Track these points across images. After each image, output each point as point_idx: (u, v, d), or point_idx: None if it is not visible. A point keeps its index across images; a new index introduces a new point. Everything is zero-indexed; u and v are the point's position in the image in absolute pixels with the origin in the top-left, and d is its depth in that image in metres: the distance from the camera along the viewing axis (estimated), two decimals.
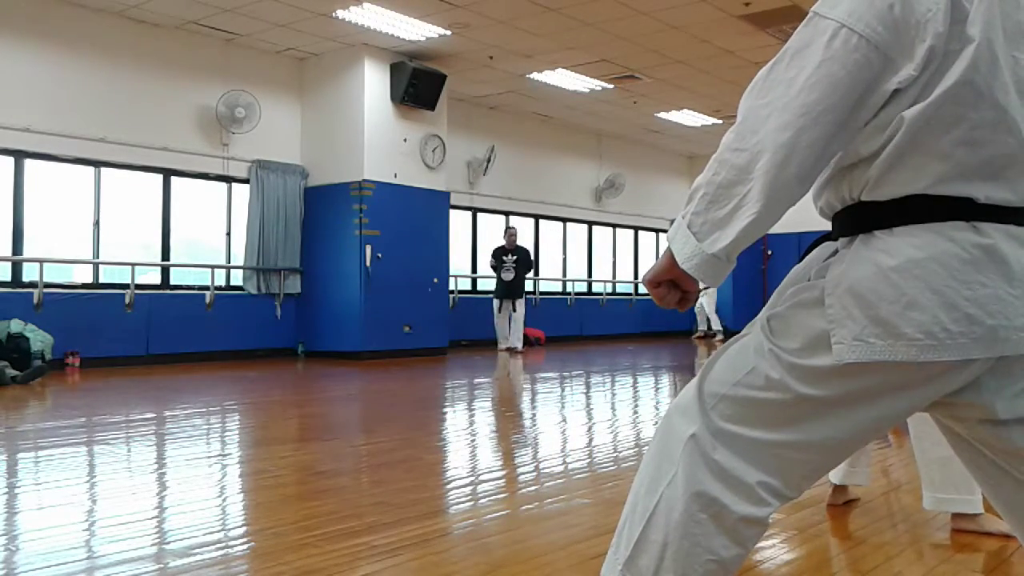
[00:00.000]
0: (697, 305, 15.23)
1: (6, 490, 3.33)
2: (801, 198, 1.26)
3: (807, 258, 1.41)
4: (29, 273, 8.37)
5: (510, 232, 11.66)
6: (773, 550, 2.61)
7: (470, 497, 3.32)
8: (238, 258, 10.13)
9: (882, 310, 1.18)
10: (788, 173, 1.19)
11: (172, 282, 9.63)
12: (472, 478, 3.73)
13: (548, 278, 14.08)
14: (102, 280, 9.03)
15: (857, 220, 1.26)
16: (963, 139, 1.19)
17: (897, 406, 1.27)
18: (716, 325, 15.38)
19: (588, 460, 4.16)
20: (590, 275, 14.98)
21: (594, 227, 15.03)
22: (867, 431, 1.31)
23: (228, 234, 10.16)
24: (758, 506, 1.30)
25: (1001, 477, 1.32)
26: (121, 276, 9.06)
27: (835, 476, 3.04)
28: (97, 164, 8.87)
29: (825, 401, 1.26)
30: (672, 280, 1.32)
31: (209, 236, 10.16)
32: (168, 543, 2.64)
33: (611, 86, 11.36)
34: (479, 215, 12.84)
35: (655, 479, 1.35)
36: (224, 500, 3.38)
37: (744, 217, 1.22)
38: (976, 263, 1.17)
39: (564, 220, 14.42)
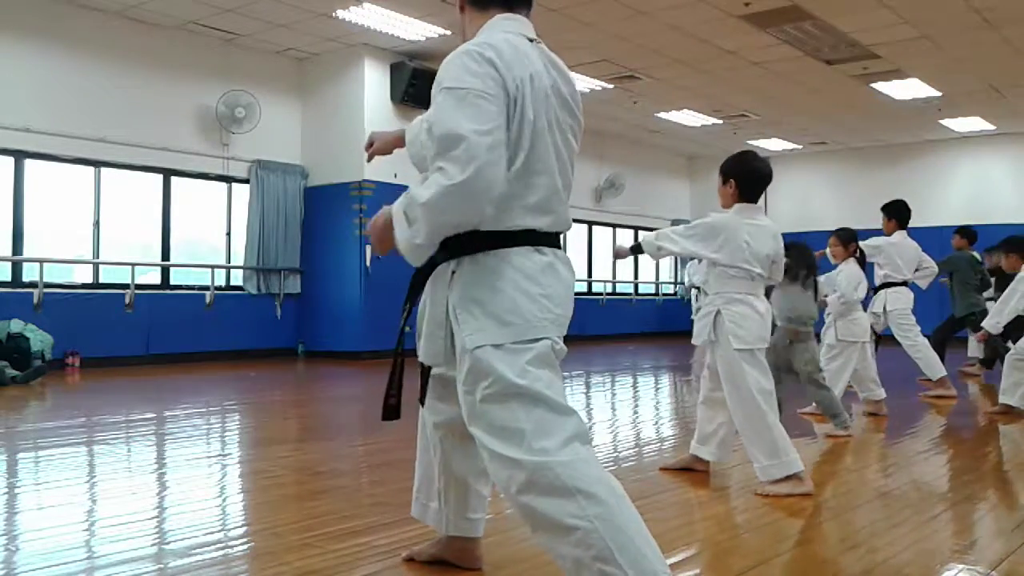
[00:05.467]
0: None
1: (6, 490, 3.33)
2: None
3: (424, 293, 1.95)
4: (29, 273, 8.36)
5: None
6: (772, 550, 2.61)
7: None
8: (238, 258, 10.12)
9: (493, 308, 1.78)
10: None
11: (172, 282, 9.62)
12: None
13: None
14: (102, 280, 9.02)
15: (466, 244, 1.81)
16: (528, 186, 1.82)
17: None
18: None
19: None
20: (590, 275, 14.97)
21: (594, 227, 15.03)
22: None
23: (228, 234, 10.16)
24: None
25: None
26: (121, 276, 9.05)
27: (695, 448, 3.61)
28: (97, 164, 8.86)
29: (498, 391, 1.75)
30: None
31: (209, 236, 10.16)
32: (168, 543, 2.64)
33: (611, 86, 11.35)
34: None
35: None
36: (224, 500, 3.39)
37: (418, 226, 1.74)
38: (544, 272, 1.83)
39: None
